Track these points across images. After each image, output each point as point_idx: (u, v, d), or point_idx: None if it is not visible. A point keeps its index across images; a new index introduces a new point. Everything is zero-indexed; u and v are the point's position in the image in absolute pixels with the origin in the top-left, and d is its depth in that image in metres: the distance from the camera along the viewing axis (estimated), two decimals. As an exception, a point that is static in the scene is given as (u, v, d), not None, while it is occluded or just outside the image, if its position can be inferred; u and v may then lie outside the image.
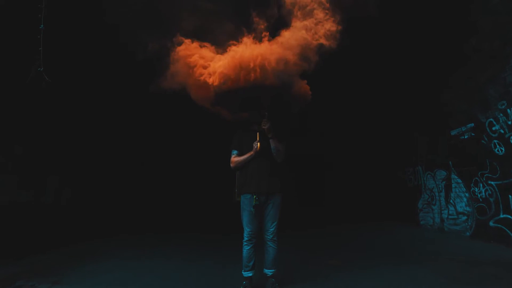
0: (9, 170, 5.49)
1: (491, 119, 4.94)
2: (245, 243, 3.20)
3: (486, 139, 5.12)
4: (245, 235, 3.21)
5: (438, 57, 5.89)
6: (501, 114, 4.71)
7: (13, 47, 4.82)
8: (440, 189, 6.65)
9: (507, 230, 4.80)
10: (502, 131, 4.76)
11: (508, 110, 4.56)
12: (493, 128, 4.93)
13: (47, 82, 3.02)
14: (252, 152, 3.25)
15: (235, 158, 3.35)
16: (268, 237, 3.23)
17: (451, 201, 6.27)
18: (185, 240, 6.66)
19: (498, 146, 4.89)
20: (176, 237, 7.02)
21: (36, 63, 2.94)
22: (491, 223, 5.15)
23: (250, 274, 3.20)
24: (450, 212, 6.33)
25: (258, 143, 3.23)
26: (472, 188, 5.60)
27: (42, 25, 2.93)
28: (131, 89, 7.36)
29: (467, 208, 5.78)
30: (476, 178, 5.48)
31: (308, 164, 14.11)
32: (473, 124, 5.40)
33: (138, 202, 9.57)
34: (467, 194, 5.78)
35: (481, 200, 5.38)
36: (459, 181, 6.00)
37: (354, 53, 7.34)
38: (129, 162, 9.28)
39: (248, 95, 3.10)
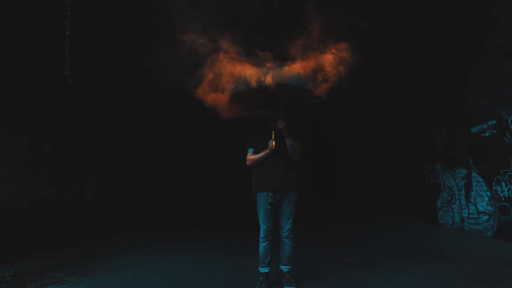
0: (39, 168, 5.80)
1: (513, 116, 4.81)
2: (262, 240, 3.28)
3: (508, 136, 4.99)
4: (261, 232, 3.29)
5: (458, 53, 5.75)
6: (524, 111, 4.58)
7: (42, 50, 5.08)
8: (460, 187, 6.51)
9: (530, 230, 4.67)
10: (525, 128, 4.63)
11: (532, 107, 4.43)
12: (516, 125, 4.80)
13: (73, 85, 3.19)
14: (267, 151, 3.32)
15: (251, 156, 3.43)
16: (284, 234, 3.30)
17: (472, 200, 6.13)
18: (202, 237, 6.82)
19: (521, 144, 4.75)
20: (193, 234, 7.19)
21: (62, 67, 3.11)
22: (514, 223, 5.02)
23: (267, 270, 3.28)
24: (470, 211, 6.19)
25: (274, 142, 3.29)
26: (494, 187, 5.46)
27: (67, 32, 3.10)
28: (149, 93, 7.57)
29: (489, 207, 5.64)
30: (498, 176, 5.34)
31: (328, 162, 14.20)
32: (494, 121, 5.26)
33: (156, 201, 9.82)
34: (488, 193, 5.64)
35: (503, 199, 5.24)
36: (480, 179, 5.86)
37: (374, 51, 7.29)
38: (147, 162, 9.53)
39: (266, 95, 3.18)
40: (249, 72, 2.93)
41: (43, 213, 5.84)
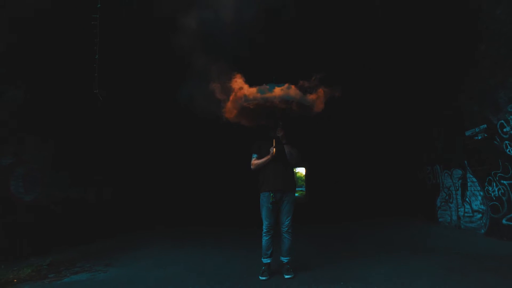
0: (64, 171, 6.40)
1: (502, 121, 5.13)
2: (264, 234, 3.75)
3: (498, 140, 5.31)
4: (264, 227, 3.76)
5: (453, 61, 6.08)
6: (511, 117, 4.90)
7: (73, 70, 5.69)
8: (457, 187, 6.83)
9: (517, 227, 5.00)
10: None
11: (517, 113, 4.76)
12: (504, 130, 5.12)
13: (101, 102, 3.71)
14: (269, 156, 3.78)
15: (255, 161, 3.89)
16: (284, 229, 3.76)
17: (467, 199, 6.46)
18: (212, 233, 7.33)
19: (509, 147, 5.07)
20: (204, 231, 7.71)
21: (93, 86, 3.64)
22: (503, 221, 5.34)
23: (269, 261, 3.74)
24: (466, 210, 6.52)
25: (274, 148, 3.75)
26: (486, 187, 5.79)
27: (97, 56, 3.62)
28: (164, 103, 8.20)
29: (482, 206, 5.97)
30: (489, 177, 5.67)
31: (337, 164, 14.90)
32: (485, 125, 5.59)
33: (170, 201, 10.46)
34: (481, 193, 5.97)
35: (494, 198, 5.57)
36: (474, 180, 6.18)
37: (377, 58, 7.76)
38: (163, 166, 10.19)
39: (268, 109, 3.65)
40: (253, 91, 3.41)
41: (68, 211, 6.44)
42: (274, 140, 3.78)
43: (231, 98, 3.51)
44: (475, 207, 6.21)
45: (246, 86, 3.45)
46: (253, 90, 3.43)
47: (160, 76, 7.22)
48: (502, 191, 5.34)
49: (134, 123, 8.53)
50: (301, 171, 47.45)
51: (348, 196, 14.15)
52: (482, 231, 5.94)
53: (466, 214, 6.53)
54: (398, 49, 6.85)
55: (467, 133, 6.19)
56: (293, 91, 3.45)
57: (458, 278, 3.41)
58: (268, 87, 3.40)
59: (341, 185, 15.10)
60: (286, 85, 3.43)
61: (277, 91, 3.43)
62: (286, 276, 3.62)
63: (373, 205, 11.62)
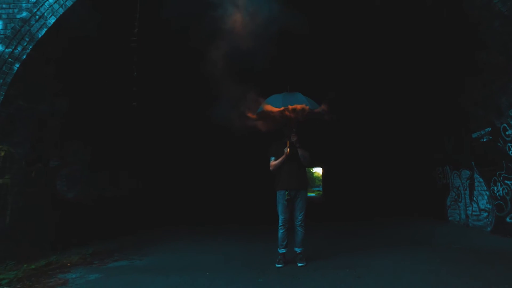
0: (99, 171, 7.13)
1: (505, 124, 5.45)
2: (280, 227, 4.26)
3: (501, 142, 5.62)
4: (280, 221, 4.27)
5: (459, 69, 6.39)
6: (511, 121, 5.22)
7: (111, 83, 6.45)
8: (465, 187, 7.12)
9: (520, 225, 5.31)
10: (513, 136, 5.27)
11: (517, 117, 5.07)
12: (507, 133, 5.43)
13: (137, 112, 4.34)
14: (284, 156, 4.29)
15: (273, 163, 4.41)
16: (297, 223, 4.26)
17: (475, 198, 6.75)
18: (233, 229, 7.91)
19: (511, 149, 5.39)
20: (226, 227, 8.30)
21: (132, 99, 4.27)
22: (507, 219, 5.64)
23: (284, 251, 4.25)
24: (473, 209, 6.81)
25: (288, 149, 4.25)
26: (492, 187, 6.09)
27: (135, 73, 4.25)
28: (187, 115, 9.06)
29: (488, 205, 6.27)
30: (494, 177, 5.97)
31: (352, 165, 15.54)
32: (490, 128, 5.90)
33: (190, 201, 11.24)
34: (487, 192, 6.26)
35: (499, 198, 5.87)
36: (481, 180, 6.48)
37: (394, 70, 8.34)
38: (187, 169, 11.08)
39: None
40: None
41: (102, 207, 7.17)
42: (288, 142, 4.28)
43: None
44: (481, 206, 6.50)
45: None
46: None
47: (186, 92, 8.02)
48: (506, 191, 5.64)
49: (159, 134, 9.32)
50: (318, 171, 47.75)
51: (363, 196, 14.55)
52: (488, 229, 6.23)
53: (473, 213, 6.82)
54: (411, 62, 7.43)
55: (474, 135, 6.50)
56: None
57: (452, 267, 3.82)
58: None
59: (356, 185, 15.54)
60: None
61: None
62: (299, 264, 4.12)
63: (386, 204, 11.95)
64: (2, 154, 5.03)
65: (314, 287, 3.26)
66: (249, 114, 4.14)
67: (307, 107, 4.10)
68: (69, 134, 6.19)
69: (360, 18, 6.36)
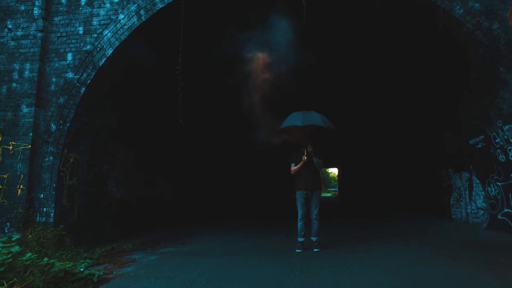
0: (139, 174, 8.28)
1: (494, 133, 6.23)
2: (299, 220, 5.22)
3: (492, 148, 6.40)
4: (299, 215, 5.24)
5: (457, 85, 7.21)
6: (500, 130, 6.00)
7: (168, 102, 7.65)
8: (465, 188, 7.88)
9: (509, 221, 6.08)
10: (502, 143, 6.05)
11: (504, 127, 5.86)
12: (496, 140, 6.21)
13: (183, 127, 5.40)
14: (302, 163, 5.25)
15: (293, 168, 5.38)
16: (313, 217, 5.21)
17: (473, 198, 7.51)
18: (259, 224, 8.91)
19: (501, 155, 6.16)
20: (252, 223, 9.30)
21: (178, 115, 5.33)
22: (499, 216, 6.41)
23: (302, 240, 5.21)
24: (472, 207, 7.57)
25: (305, 157, 5.21)
26: (486, 188, 6.86)
27: (180, 95, 5.30)
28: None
29: (484, 204, 7.03)
30: (488, 179, 6.74)
31: (365, 168, 16.66)
32: (483, 136, 6.67)
33: (219, 200, 12.42)
34: (483, 193, 7.03)
35: (492, 197, 6.64)
36: (478, 181, 7.25)
37: (406, 88, 9.46)
38: (212, 174, 12.29)
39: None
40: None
41: (142, 205, 8.31)
42: (305, 151, 5.25)
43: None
44: (478, 205, 7.27)
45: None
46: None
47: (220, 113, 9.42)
48: (498, 191, 6.42)
49: (192, 144, 10.55)
50: (334, 171, 48.25)
51: (376, 196, 15.42)
52: (484, 225, 7.00)
53: (472, 211, 7.58)
54: (421, 82, 8.52)
55: (471, 142, 7.27)
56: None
57: (439, 251, 4.71)
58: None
59: (370, 186, 16.45)
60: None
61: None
62: (315, 250, 5.07)
63: (396, 203, 12.76)
64: (71, 160, 6.21)
65: (326, 264, 4.20)
66: (277, 130, 5.15)
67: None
68: (116, 142, 7.33)
69: (370, 48, 7.44)
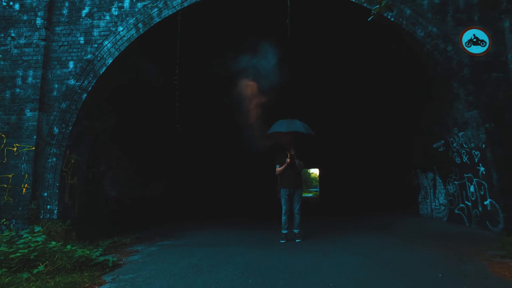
0: (131, 176, 8.77)
1: (452, 139, 7.17)
2: (283, 215, 5.93)
3: (451, 152, 7.34)
4: (283, 210, 5.94)
5: (421, 99, 8.17)
6: (456, 136, 6.94)
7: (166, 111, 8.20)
8: (430, 187, 8.84)
9: (463, 215, 7.03)
10: (457, 147, 6.99)
11: (459, 134, 6.80)
12: (453, 145, 7.15)
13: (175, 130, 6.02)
14: (285, 164, 5.97)
15: (278, 169, 6.08)
16: (295, 212, 5.93)
17: (436, 195, 8.47)
18: (247, 221, 9.56)
19: (457, 158, 7.10)
20: (241, 220, 9.95)
21: (172, 120, 5.93)
22: (455, 211, 7.36)
23: (286, 232, 5.91)
24: (435, 204, 8.52)
25: (288, 159, 5.94)
26: (447, 186, 7.80)
27: (177, 103, 5.91)
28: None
29: (444, 201, 7.98)
30: (448, 179, 7.69)
31: (344, 168, 17.60)
32: (443, 141, 7.62)
33: (206, 199, 12.98)
34: (444, 191, 7.98)
35: (451, 194, 7.59)
36: (440, 181, 8.20)
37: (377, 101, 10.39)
38: (199, 175, 12.85)
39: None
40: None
41: (136, 204, 8.80)
42: (289, 154, 5.97)
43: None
44: (441, 201, 8.22)
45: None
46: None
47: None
48: (455, 189, 7.37)
49: (183, 146, 11.07)
50: (315, 172, 49.65)
51: (354, 195, 16.45)
52: (445, 219, 7.95)
53: (435, 207, 8.53)
54: (391, 95, 9.51)
55: (434, 145, 8.22)
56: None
57: (401, 239, 5.53)
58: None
59: (349, 186, 17.48)
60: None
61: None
62: (297, 240, 5.80)
63: (373, 202, 13.74)
64: (73, 161, 6.67)
65: (307, 251, 4.92)
66: (266, 136, 5.86)
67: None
68: (112, 144, 7.82)
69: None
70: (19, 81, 6.62)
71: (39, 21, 6.84)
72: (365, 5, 5.87)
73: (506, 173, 5.69)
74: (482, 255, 4.19)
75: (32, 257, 3.35)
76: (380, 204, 12.99)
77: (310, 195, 36.96)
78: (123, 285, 3.24)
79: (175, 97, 6.06)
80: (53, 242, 3.77)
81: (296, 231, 5.94)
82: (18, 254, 3.33)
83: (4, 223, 5.67)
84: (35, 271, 3.17)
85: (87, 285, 3.08)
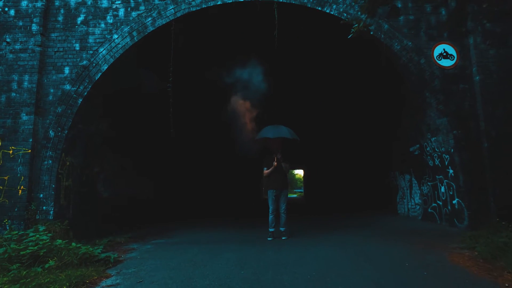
0: (123, 177, 9.02)
1: (425, 143, 7.79)
2: (270, 214, 6.36)
3: (425, 155, 7.96)
4: (270, 210, 6.37)
5: (398, 107, 8.80)
6: (429, 141, 7.56)
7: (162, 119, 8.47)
8: (407, 187, 9.47)
9: (435, 213, 7.65)
10: (430, 151, 7.61)
11: (432, 139, 7.42)
12: (427, 149, 7.78)
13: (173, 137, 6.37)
14: (272, 167, 6.40)
15: (266, 171, 6.51)
16: (282, 211, 6.37)
17: (412, 196, 9.10)
18: (236, 221, 9.94)
19: (430, 161, 7.72)
20: (229, 220, 10.31)
21: (171, 129, 6.28)
22: (429, 210, 7.98)
23: (273, 230, 6.34)
24: (411, 203, 9.16)
25: (275, 162, 6.37)
26: (421, 187, 8.43)
27: (171, 109, 6.25)
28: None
29: (419, 200, 8.61)
30: (422, 180, 8.32)
31: (328, 170, 18.15)
32: (418, 145, 8.24)
33: (196, 200, 13.29)
34: (418, 191, 8.61)
35: (424, 195, 8.21)
36: (416, 182, 8.83)
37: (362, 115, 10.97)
38: (189, 176, 13.14)
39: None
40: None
41: (128, 204, 9.05)
42: (275, 158, 6.41)
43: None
44: (416, 201, 8.85)
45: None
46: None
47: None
48: (428, 190, 7.99)
49: (171, 148, 11.34)
50: (300, 173, 50.53)
51: (338, 196, 17.09)
52: (420, 217, 8.57)
53: (411, 207, 9.17)
54: (372, 103, 10.10)
55: (411, 149, 8.85)
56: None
57: (378, 235, 6.05)
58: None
59: (332, 187, 18.13)
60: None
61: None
62: (283, 238, 6.23)
63: (356, 202, 14.39)
64: (68, 163, 6.91)
65: (292, 246, 5.36)
66: (255, 141, 6.29)
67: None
68: (105, 147, 8.06)
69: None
70: (14, 86, 6.79)
71: (34, 27, 7.03)
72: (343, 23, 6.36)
73: (471, 175, 6.31)
74: (445, 247, 4.74)
75: (41, 253, 3.64)
76: (362, 204, 13.65)
77: (295, 195, 37.62)
78: (128, 277, 3.58)
79: (168, 103, 6.39)
80: (59, 240, 4.06)
81: (282, 229, 6.37)
82: (28, 250, 3.61)
83: (6, 223, 5.88)
84: (46, 265, 3.47)
85: (96, 278, 3.40)
